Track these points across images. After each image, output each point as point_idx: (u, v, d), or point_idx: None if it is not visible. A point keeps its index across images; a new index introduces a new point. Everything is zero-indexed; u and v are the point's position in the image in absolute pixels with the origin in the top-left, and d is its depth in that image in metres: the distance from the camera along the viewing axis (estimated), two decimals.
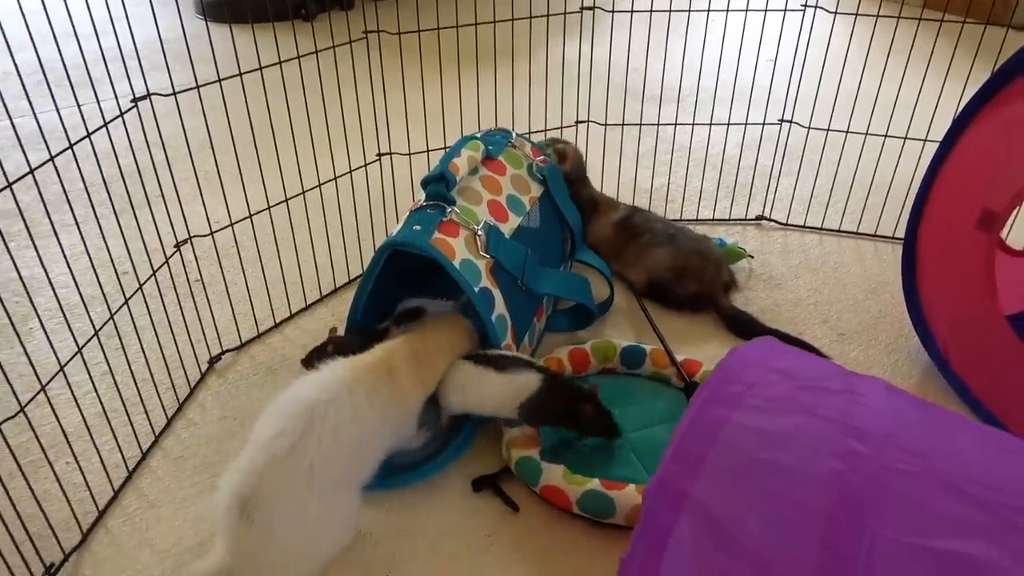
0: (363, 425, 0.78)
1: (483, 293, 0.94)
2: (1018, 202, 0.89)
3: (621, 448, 0.94)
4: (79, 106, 0.86)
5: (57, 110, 0.83)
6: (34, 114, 0.79)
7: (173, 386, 1.05)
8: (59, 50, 0.81)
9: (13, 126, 0.78)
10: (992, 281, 0.93)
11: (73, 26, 0.86)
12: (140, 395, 0.99)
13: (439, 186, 0.98)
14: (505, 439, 0.93)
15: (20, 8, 0.78)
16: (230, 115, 1.01)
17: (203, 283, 1.13)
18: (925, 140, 1.30)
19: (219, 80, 0.99)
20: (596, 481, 0.85)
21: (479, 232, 0.97)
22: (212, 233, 1.07)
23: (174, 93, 0.95)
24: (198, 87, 0.97)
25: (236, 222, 1.09)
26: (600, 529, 0.85)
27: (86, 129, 0.85)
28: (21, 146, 0.79)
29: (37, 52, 0.81)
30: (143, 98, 0.91)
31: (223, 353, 1.12)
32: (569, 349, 1.06)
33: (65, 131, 0.86)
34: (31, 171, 0.78)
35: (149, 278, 0.98)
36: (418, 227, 0.94)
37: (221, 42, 1.05)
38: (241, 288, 1.21)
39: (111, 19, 0.88)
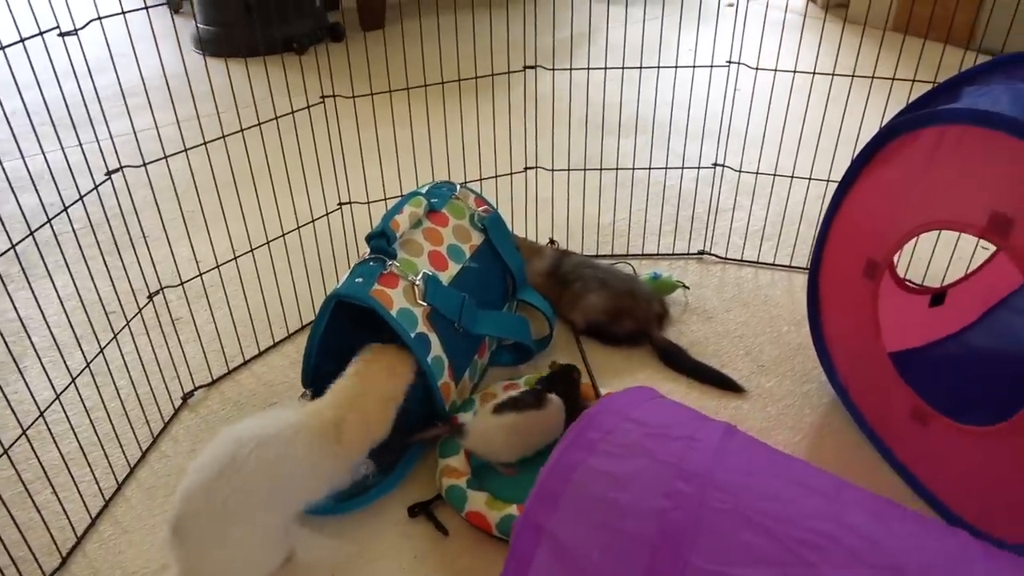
0: (294, 468, 0.85)
1: (419, 338, 1.05)
2: (896, 250, 0.99)
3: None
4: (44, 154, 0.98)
5: (44, 155, 0.95)
6: (23, 158, 0.91)
7: (148, 422, 1.16)
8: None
9: (3, 170, 0.90)
10: (877, 323, 1.03)
11: (72, 66, 0.96)
12: (115, 431, 1.11)
13: (380, 241, 1.09)
14: (439, 468, 1.03)
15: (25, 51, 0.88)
16: (194, 167, 1.13)
17: (174, 326, 1.25)
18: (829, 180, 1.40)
19: (185, 150, 1.10)
20: (514, 507, 0.95)
21: (417, 282, 1.08)
22: (183, 283, 1.19)
23: (144, 164, 1.07)
24: (166, 157, 1.09)
25: (205, 272, 1.21)
26: None
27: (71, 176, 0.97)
28: (13, 191, 0.91)
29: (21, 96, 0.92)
30: (116, 171, 1.03)
31: (196, 389, 1.23)
32: (503, 384, 1.17)
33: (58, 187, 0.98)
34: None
35: (122, 329, 1.10)
36: (360, 279, 1.05)
37: (205, 82, 1.17)
38: (212, 328, 1.33)
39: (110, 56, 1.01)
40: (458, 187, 1.27)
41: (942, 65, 1.26)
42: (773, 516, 0.62)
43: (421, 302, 1.07)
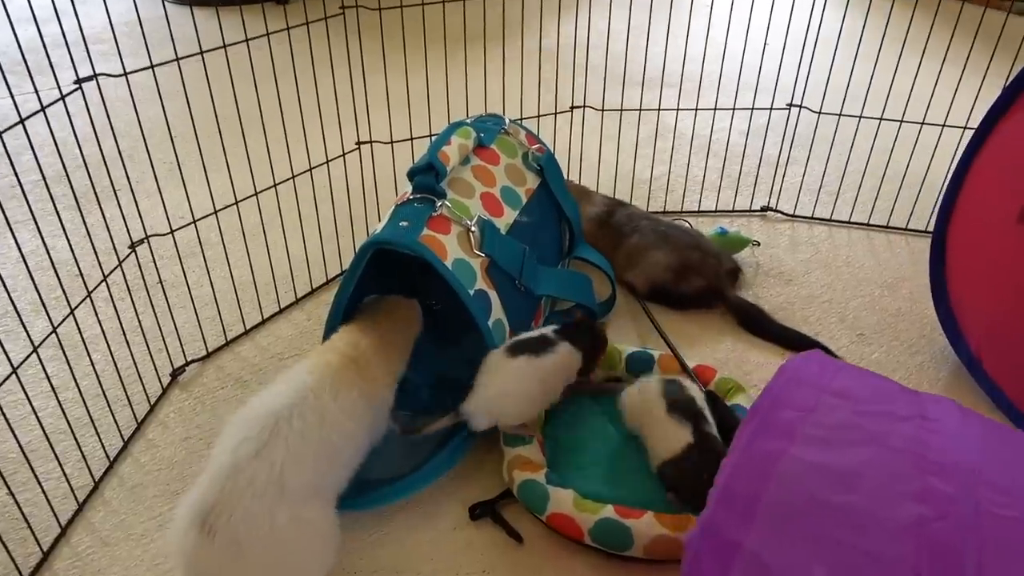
0: (333, 428, 0.72)
1: (479, 296, 0.84)
2: None
3: (635, 468, 0.85)
4: (12, 95, 0.75)
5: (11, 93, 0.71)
6: None
7: (130, 403, 0.93)
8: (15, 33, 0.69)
9: None
10: None
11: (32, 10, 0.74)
12: (90, 415, 0.88)
13: (427, 177, 0.87)
14: (506, 459, 0.83)
15: None
16: (192, 101, 0.90)
17: (163, 286, 1.02)
18: (943, 126, 1.22)
19: (176, 59, 0.87)
20: (610, 508, 0.75)
21: (472, 228, 0.87)
22: (172, 232, 0.96)
23: (125, 74, 0.83)
24: (152, 67, 0.86)
25: (199, 219, 0.98)
26: (615, 563, 0.76)
27: (19, 115, 0.73)
28: None
29: None
30: (88, 79, 0.79)
31: (187, 364, 1.01)
32: None
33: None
34: None
35: (99, 285, 0.87)
36: (405, 223, 0.84)
37: (182, 25, 0.94)
38: (207, 291, 1.10)
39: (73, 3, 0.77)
40: (507, 121, 1.05)
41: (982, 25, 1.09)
42: None
43: (478, 252, 0.86)
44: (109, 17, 0.85)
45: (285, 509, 0.65)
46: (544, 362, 0.82)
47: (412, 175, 0.89)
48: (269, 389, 0.73)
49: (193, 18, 0.88)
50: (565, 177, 1.10)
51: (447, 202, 0.87)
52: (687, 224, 1.23)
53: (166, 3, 0.84)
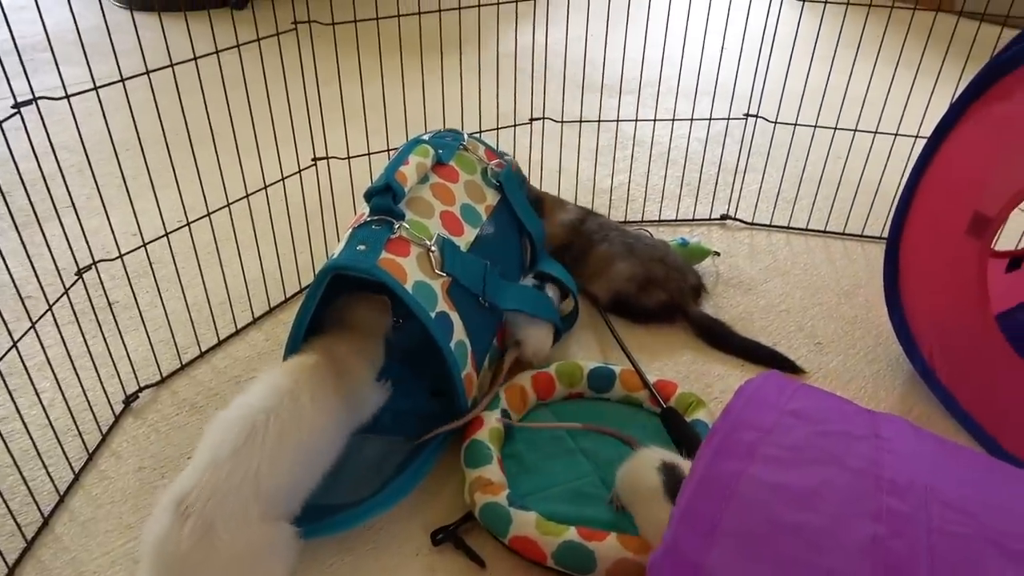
0: (310, 430, 0.73)
1: (440, 319, 0.83)
2: (1014, 205, 0.82)
3: (596, 488, 0.84)
4: None
5: None
6: None
7: (80, 433, 0.91)
8: None
9: None
10: (984, 289, 0.86)
11: None
12: (37, 449, 0.85)
13: (385, 199, 0.86)
14: (468, 481, 0.82)
15: None
16: (139, 116, 0.88)
17: (112, 310, 0.99)
18: (896, 135, 1.25)
19: (122, 80, 0.85)
20: (573, 530, 0.75)
21: (433, 248, 0.86)
22: (121, 256, 0.93)
23: (67, 96, 0.80)
24: (96, 88, 0.83)
25: (150, 242, 0.96)
26: None
27: None
28: None
29: None
30: (27, 103, 0.76)
31: (141, 390, 0.98)
32: (532, 374, 0.96)
33: None
34: None
35: (44, 315, 0.84)
36: (363, 247, 0.82)
37: (129, 33, 0.91)
38: (159, 313, 1.07)
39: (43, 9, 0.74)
40: (465, 136, 1.04)
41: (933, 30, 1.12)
42: None
43: (439, 272, 0.85)
44: (81, 25, 0.82)
45: (258, 508, 0.67)
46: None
47: (369, 196, 0.87)
48: (248, 391, 0.74)
49: (136, 28, 0.85)
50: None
51: (406, 223, 0.86)
52: (649, 234, 1.23)
53: (104, 10, 0.81)
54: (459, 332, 0.86)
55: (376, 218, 0.86)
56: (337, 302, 0.88)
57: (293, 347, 0.85)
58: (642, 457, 0.76)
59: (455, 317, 0.85)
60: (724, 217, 1.38)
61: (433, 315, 0.82)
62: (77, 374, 0.93)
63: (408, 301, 0.80)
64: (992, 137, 0.85)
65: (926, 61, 1.25)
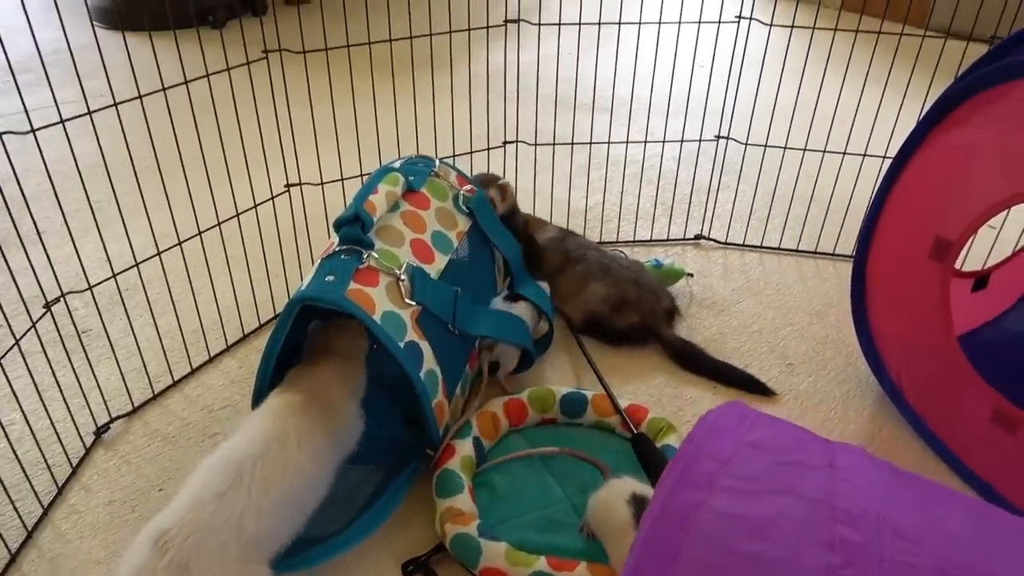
0: (297, 476, 0.73)
1: (409, 348, 0.83)
2: (974, 230, 0.84)
3: (568, 515, 0.85)
4: None
5: None
6: None
7: (48, 466, 0.90)
8: None
9: None
10: (947, 312, 0.88)
11: None
12: (2, 483, 0.85)
13: (354, 228, 0.86)
14: (438, 512, 0.82)
15: None
16: (108, 144, 0.87)
17: (80, 341, 0.98)
18: (864, 155, 1.26)
19: (89, 113, 0.85)
20: (543, 560, 0.75)
21: (402, 277, 0.86)
22: (91, 288, 0.93)
23: (32, 131, 0.80)
24: (63, 121, 0.83)
25: (119, 272, 0.95)
26: None
27: None
28: None
29: None
30: None
31: (112, 421, 0.98)
32: (504, 400, 0.97)
33: None
34: None
35: (10, 349, 0.83)
36: (331, 277, 0.83)
37: (113, 54, 0.91)
38: (130, 341, 1.07)
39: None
40: (437, 163, 1.05)
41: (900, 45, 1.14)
42: (979, 571, 0.44)
43: (409, 301, 0.85)
44: (37, 44, 0.82)
45: (238, 551, 0.66)
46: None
47: (338, 226, 0.87)
48: (234, 437, 0.74)
49: (100, 51, 0.86)
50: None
51: (375, 253, 0.86)
52: (623, 254, 1.25)
53: (67, 33, 0.82)
54: (429, 361, 0.86)
55: (345, 248, 0.86)
56: (315, 328, 0.89)
57: (263, 379, 0.85)
58: (613, 488, 0.77)
59: (425, 346, 0.86)
60: (698, 237, 1.39)
61: (402, 345, 0.83)
62: (45, 406, 0.92)
63: (376, 332, 0.81)
64: (951, 163, 0.86)
65: (896, 77, 1.27)
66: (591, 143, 1.35)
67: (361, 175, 1.17)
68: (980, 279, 1.10)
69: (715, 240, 1.39)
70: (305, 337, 0.89)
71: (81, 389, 0.97)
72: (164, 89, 0.91)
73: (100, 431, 0.96)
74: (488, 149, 1.27)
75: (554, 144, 1.29)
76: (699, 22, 1.07)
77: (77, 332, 0.94)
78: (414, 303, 0.86)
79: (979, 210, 0.83)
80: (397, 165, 1.01)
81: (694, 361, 1.09)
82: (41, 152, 0.83)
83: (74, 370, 0.96)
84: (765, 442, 0.57)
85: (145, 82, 0.90)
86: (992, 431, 0.87)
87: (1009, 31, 0.92)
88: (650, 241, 1.38)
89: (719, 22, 1.17)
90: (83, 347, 0.97)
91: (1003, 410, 0.85)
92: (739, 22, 1.18)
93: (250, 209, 1.07)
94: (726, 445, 0.56)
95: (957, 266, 1.27)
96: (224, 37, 2.16)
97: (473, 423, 0.93)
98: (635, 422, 0.94)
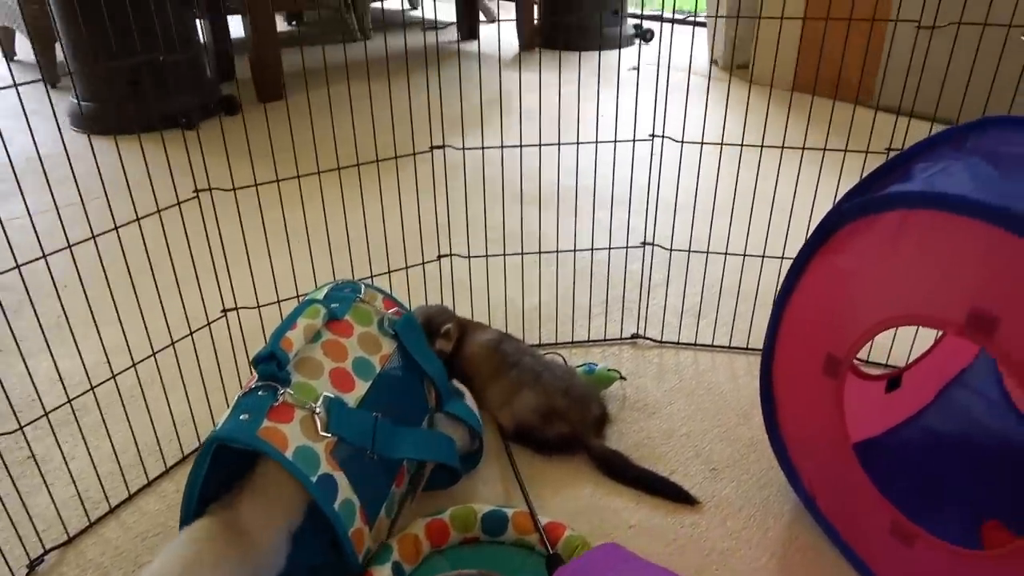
0: None
1: (322, 481, 0.86)
2: (860, 346, 0.88)
3: None
4: None
5: None
6: None
7: None
8: None
9: None
10: (843, 426, 0.91)
11: None
12: None
13: (269, 366, 0.91)
14: None
15: None
16: (27, 274, 0.92)
17: (9, 474, 1.01)
18: (782, 258, 1.32)
19: (17, 267, 0.90)
20: None
21: (318, 410, 0.90)
22: (22, 428, 0.96)
23: None
24: None
25: (51, 411, 0.99)
26: None
27: None
28: None
29: None
30: None
31: (46, 553, 0.99)
32: (426, 522, 0.99)
33: None
34: None
35: None
36: (245, 416, 0.86)
37: (82, 163, 0.97)
38: (63, 471, 1.09)
39: None
40: (363, 287, 1.10)
41: (854, 124, 1.21)
42: None
43: (324, 434, 0.89)
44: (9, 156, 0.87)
45: None
46: None
47: (256, 363, 0.92)
48: (151, 565, 0.76)
49: (93, 150, 0.91)
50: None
51: (290, 389, 0.90)
52: (563, 359, 1.29)
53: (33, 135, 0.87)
54: (345, 491, 0.89)
55: (263, 384, 0.90)
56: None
57: (186, 516, 0.88)
58: None
59: (340, 476, 0.89)
60: (635, 336, 1.44)
61: (315, 479, 0.86)
62: None
63: (289, 468, 0.84)
64: (835, 285, 0.91)
65: (831, 155, 1.33)
66: (522, 254, 1.41)
67: (297, 296, 1.22)
68: (892, 380, 1.14)
69: (651, 339, 1.43)
70: (236, 462, 0.91)
71: (11, 522, 0.99)
72: (94, 236, 0.96)
73: (34, 564, 0.98)
74: (423, 264, 1.32)
75: (487, 256, 1.35)
76: (615, 141, 1.14)
77: (5, 464, 0.97)
78: (329, 435, 0.89)
79: (860, 330, 0.88)
80: (322, 295, 1.06)
81: (620, 471, 1.12)
82: None
83: (2, 502, 0.99)
84: None
85: (110, 191, 0.95)
86: (892, 543, 0.89)
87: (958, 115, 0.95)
88: (587, 342, 1.43)
89: (634, 140, 1.24)
90: (12, 480, 1.00)
91: (899, 523, 0.87)
92: (652, 140, 1.25)
93: (186, 336, 1.12)
94: None
95: (878, 359, 1.32)
96: (192, 142, 2.24)
97: (394, 546, 0.95)
98: (552, 540, 0.97)
